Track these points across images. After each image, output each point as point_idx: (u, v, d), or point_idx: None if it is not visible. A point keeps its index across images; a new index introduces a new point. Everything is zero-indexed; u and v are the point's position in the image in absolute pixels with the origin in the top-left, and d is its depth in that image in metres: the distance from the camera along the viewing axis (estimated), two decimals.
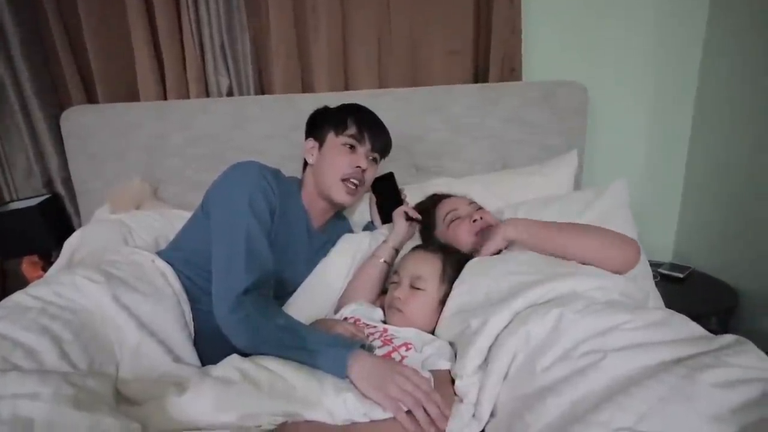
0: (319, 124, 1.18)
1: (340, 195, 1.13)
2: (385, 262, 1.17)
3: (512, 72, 1.72)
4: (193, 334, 1.00)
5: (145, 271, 1.01)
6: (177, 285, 1.01)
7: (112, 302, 0.88)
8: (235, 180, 1.02)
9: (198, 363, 0.96)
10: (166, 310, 0.95)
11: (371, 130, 1.15)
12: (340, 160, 1.13)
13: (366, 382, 0.77)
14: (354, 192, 1.14)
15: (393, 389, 0.75)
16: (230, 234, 0.96)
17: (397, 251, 1.21)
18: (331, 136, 1.15)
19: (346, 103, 1.22)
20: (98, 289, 0.89)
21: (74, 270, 0.95)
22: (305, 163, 1.22)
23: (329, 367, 0.80)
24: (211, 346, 0.97)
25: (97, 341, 0.83)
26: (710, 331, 0.77)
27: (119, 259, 1.04)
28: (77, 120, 1.68)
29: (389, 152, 1.24)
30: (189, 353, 0.96)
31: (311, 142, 1.19)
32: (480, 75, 1.78)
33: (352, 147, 1.14)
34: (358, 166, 1.12)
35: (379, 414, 0.74)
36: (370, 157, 1.17)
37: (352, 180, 1.13)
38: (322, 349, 0.82)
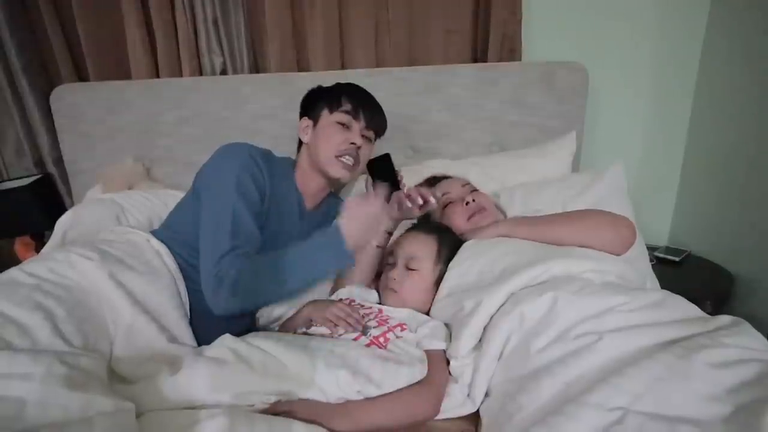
0: (314, 103, 1.17)
1: (337, 170, 1.12)
2: (378, 246, 1.15)
3: (512, 52, 1.69)
4: (189, 314, 0.99)
5: (141, 250, 1.00)
6: (172, 264, 1.01)
7: (107, 279, 0.87)
8: (223, 161, 1.01)
9: (194, 342, 0.96)
10: (162, 288, 0.95)
11: (366, 107, 1.14)
12: (335, 137, 1.11)
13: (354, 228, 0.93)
14: (350, 167, 1.13)
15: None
16: (217, 213, 0.96)
17: (390, 234, 1.19)
18: (325, 114, 1.14)
19: (341, 81, 1.20)
20: (93, 266, 0.89)
21: (69, 248, 0.94)
22: (300, 143, 1.21)
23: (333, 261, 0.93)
24: (206, 325, 0.97)
25: (91, 319, 0.83)
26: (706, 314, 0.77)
27: (114, 238, 1.04)
28: (67, 98, 1.65)
29: (384, 131, 1.22)
30: (184, 332, 0.95)
31: (305, 121, 1.18)
32: (479, 55, 1.75)
33: (346, 125, 1.13)
34: (352, 143, 1.11)
35: (373, 391, 0.74)
36: (365, 135, 1.15)
37: (347, 156, 1.11)
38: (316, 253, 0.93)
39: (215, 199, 0.97)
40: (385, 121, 1.20)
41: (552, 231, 0.99)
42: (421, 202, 1.06)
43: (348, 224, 0.93)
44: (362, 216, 0.95)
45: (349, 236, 0.92)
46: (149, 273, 0.95)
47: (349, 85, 1.18)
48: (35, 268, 0.87)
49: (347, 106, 1.12)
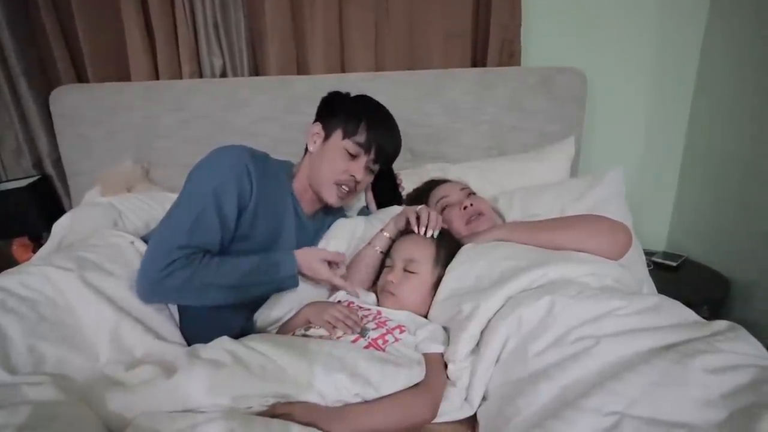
0: (333, 113, 1.11)
1: (331, 197, 1.10)
2: (381, 252, 1.15)
3: (511, 57, 1.70)
4: (178, 317, 0.99)
5: (123, 253, 1.00)
6: None
7: (85, 288, 0.87)
8: (211, 163, 1.00)
9: (183, 342, 0.96)
10: None
11: (381, 141, 1.08)
12: (337, 165, 1.07)
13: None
14: (344, 196, 1.11)
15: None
16: (185, 207, 0.96)
17: (393, 241, 1.19)
18: (337, 135, 1.08)
19: (367, 97, 1.15)
20: (72, 276, 0.88)
21: (50, 259, 0.95)
22: (306, 147, 1.17)
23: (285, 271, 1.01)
24: (198, 328, 0.97)
25: (57, 335, 0.82)
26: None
27: (98, 242, 1.04)
28: (67, 100, 1.65)
29: (393, 161, 1.18)
30: (172, 332, 0.95)
31: (318, 128, 1.12)
32: (478, 59, 1.76)
33: (354, 155, 1.08)
34: (352, 176, 1.08)
35: (371, 393, 0.74)
36: (370, 167, 1.11)
37: (343, 186, 1.09)
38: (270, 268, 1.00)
39: (188, 194, 0.97)
40: (398, 149, 1.16)
41: (550, 236, 1.00)
42: (427, 233, 1.06)
43: (301, 256, 1.03)
44: (313, 264, 1.04)
45: (300, 264, 1.03)
46: (130, 276, 0.95)
47: (372, 107, 1.13)
48: (6, 280, 0.87)
49: (362, 137, 1.06)
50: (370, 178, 1.16)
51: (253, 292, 1.01)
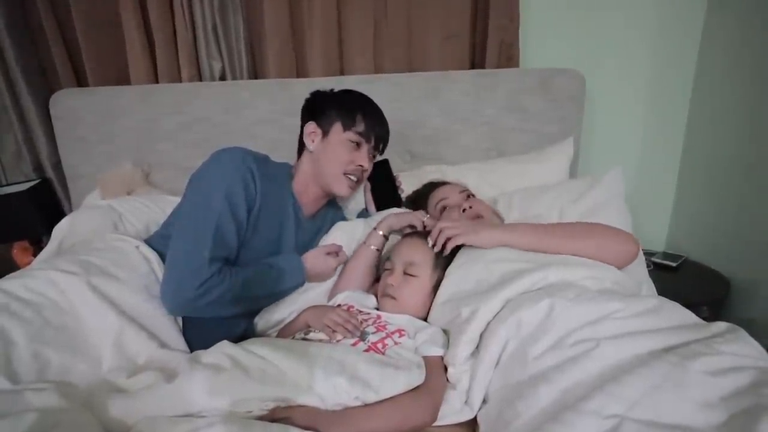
0: (325, 110, 1.13)
1: (342, 188, 1.12)
2: (377, 249, 1.15)
3: (509, 59, 1.70)
4: (181, 323, 0.99)
5: (128, 258, 1.00)
6: (162, 272, 0.99)
7: (90, 293, 0.87)
8: (215, 167, 1.00)
9: (186, 348, 0.96)
10: (149, 296, 0.94)
11: (378, 129, 1.15)
12: (343, 157, 1.11)
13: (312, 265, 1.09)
14: (354, 186, 1.15)
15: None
16: (201, 218, 0.95)
17: (386, 238, 1.19)
18: (337, 128, 1.11)
19: (350, 90, 1.18)
20: (76, 280, 0.88)
21: (53, 262, 0.94)
22: (300, 147, 1.19)
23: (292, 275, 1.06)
24: (200, 333, 0.97)
25: (62, 340, 0.82)
26: (702, 319, 0.78)
27: (102, 246, 1.03)
28: (66, 103, 1.65)
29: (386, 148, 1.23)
30: (175, 339, 0.95)
31: (313, 127, 1.14)
32: (477, 61, 1.76)
33: (357, 144, 1.12)
34: (360, 165, 1.12)
35: (371, 396, 0.74)
36: (372, 154, 1.17)
37: (351, 176, 1.12)
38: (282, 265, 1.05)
39: (201, 203, 0.97)
40: (389, 137, 1.21)
41: (557, 245, 0.96)
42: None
43: (310, 260, 1.10)
44: (321, 260, 1.11)
45: (309, 269, 1.09)
46: (135, 281, 0.95)
47: (362, 100, 1.16)
48: (10, 284, 0.86)
49: (361, 127, 1.11)
50: (371, 166, 1.21)
51: (267, 301, 1.08)
